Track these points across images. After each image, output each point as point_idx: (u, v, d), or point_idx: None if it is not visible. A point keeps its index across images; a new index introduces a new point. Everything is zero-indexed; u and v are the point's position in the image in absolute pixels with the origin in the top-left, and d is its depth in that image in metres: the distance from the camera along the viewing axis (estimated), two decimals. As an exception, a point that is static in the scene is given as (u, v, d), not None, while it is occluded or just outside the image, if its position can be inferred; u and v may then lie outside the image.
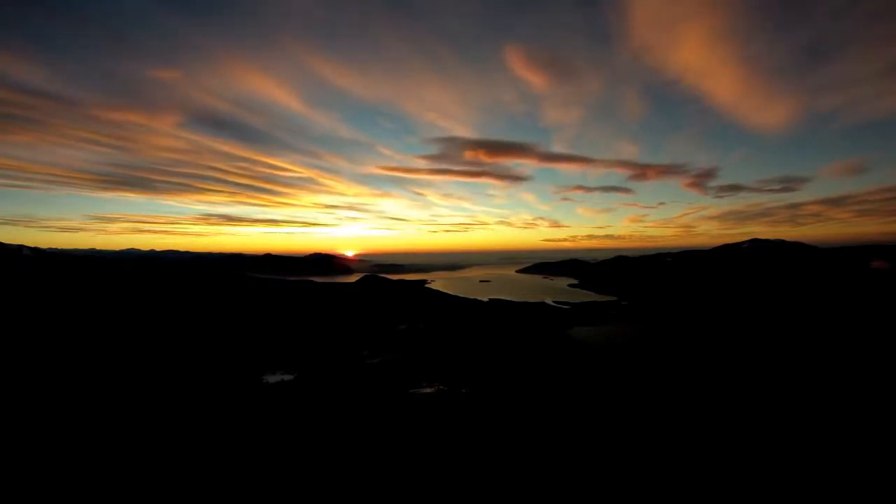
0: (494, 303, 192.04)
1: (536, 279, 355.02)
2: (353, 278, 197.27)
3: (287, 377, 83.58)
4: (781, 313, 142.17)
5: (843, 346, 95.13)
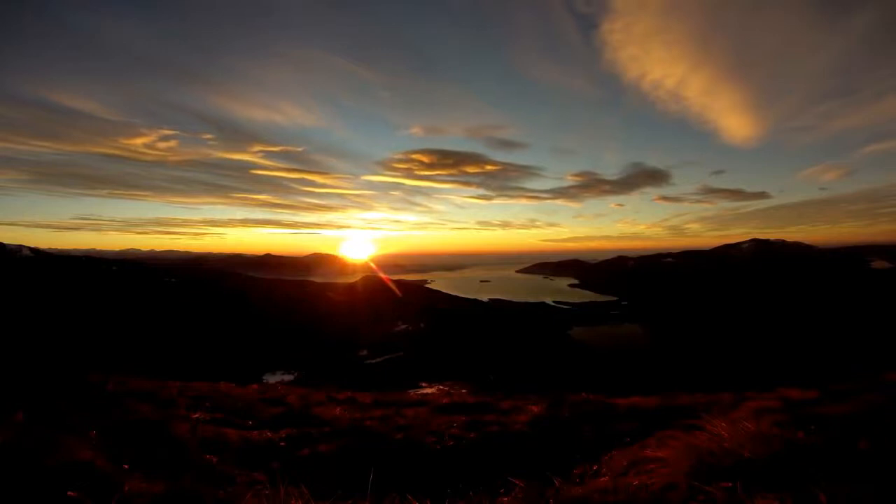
0: (495, 303, 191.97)
1: (536, 279, 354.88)
2: (355, 278, 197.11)
3: (287, 377, 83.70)
4: (786, 312, 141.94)
5: (848, 345, 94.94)
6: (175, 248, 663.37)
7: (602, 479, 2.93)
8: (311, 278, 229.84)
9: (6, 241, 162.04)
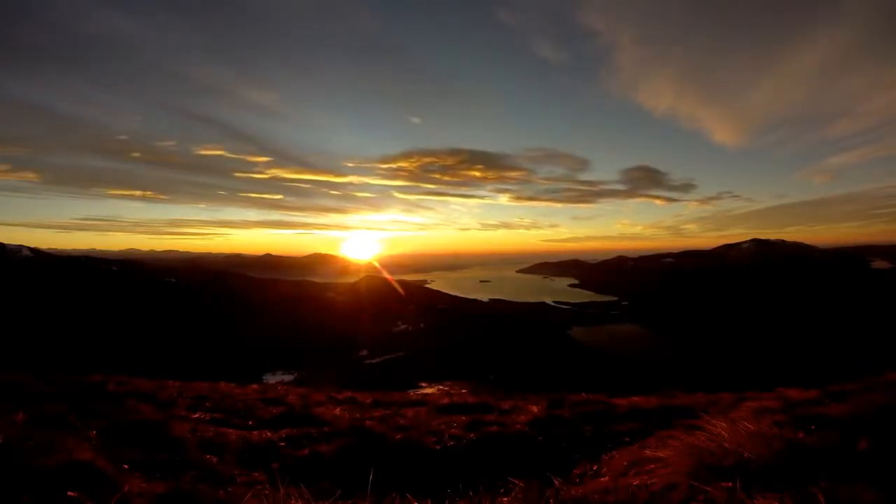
0: (495, 303, 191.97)
1: (537, 279, 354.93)
2: (356, 278, 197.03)
3: (287, 377, 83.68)
4: (787, 312, 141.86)
5: (848, 345, 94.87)
6: (175, 248, 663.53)
7: (602, 479, 2.92)
8: (313, 278, 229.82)
9: (10, 241, 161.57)
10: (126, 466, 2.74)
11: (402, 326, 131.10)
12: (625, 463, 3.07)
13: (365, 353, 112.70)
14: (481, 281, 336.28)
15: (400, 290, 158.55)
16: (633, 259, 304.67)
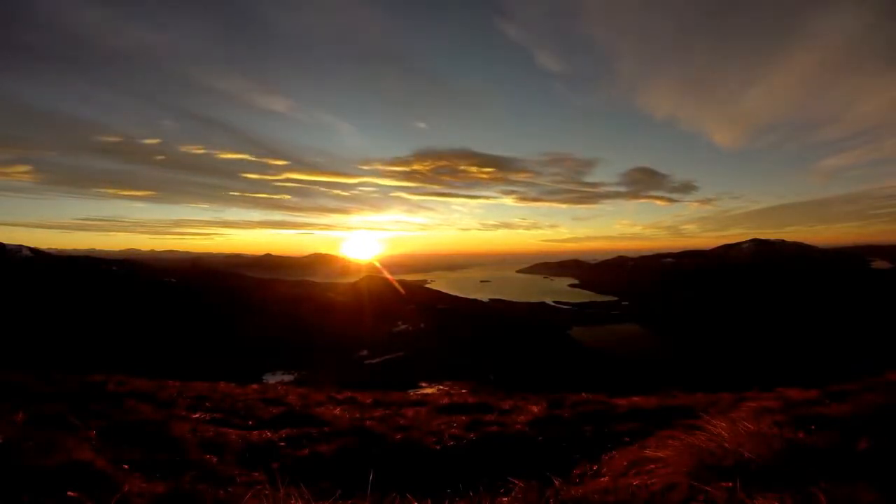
0: (495, 303, 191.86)
1: (537, 279, 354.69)
2: (356, 278, 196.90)
3: (287, 377, 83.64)
4: (786, 312, 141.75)
5: (848, 345, 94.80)
6: (176, 249, 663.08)
7: (602, 479, 2.92)
8: (313, 278, 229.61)
9: (10, 241, 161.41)
10: (126, 466, 2.74)
11: (402, 326, 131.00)
12: (625, 463, 3.06)
13: (365, 353, 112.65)
14: (481, 281, 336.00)
15: (400, 289, 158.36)
16: (633, 259, 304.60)
